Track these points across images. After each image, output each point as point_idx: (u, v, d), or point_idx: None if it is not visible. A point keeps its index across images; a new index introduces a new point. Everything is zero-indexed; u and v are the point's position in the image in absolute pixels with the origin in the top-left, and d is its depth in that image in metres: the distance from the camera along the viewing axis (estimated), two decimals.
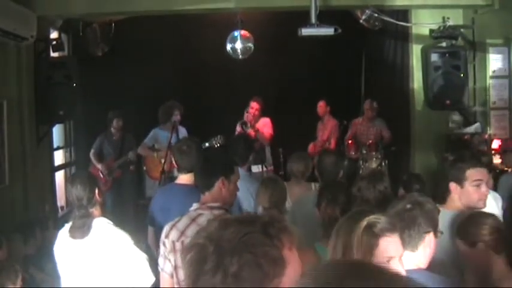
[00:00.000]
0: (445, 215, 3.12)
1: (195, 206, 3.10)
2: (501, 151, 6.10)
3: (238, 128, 7.40)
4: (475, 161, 3.32)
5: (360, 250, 1.96)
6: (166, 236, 3.06)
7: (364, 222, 1.99)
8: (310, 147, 8.46)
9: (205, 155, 3.70)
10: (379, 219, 2.01)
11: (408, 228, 2.40)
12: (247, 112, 7.34)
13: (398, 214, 2.41)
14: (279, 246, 1.35)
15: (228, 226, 1.37)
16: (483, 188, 3.22)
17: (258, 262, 1.31)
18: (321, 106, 8.61)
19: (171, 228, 3.06)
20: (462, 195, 3.24)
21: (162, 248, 3.09)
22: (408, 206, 2.47)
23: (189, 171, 3.90)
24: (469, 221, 2.81)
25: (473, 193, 3.21)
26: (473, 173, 3.22)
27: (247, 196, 4.31)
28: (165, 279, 3.10)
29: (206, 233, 1.39)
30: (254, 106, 7.39)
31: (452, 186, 3.27)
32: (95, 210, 3.34)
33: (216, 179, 3.10)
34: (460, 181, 3.23)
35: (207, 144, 6.73)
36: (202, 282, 1.33)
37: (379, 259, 1.96)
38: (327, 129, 8.59)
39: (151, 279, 3.26)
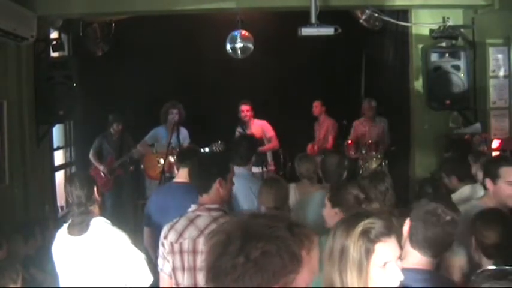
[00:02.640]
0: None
1: (193, 207, 3.09)
2: (500, 151, 6.13)
3: (238, 130, 7.41)
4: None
5: (356, 256, 1.96)
6: (165, 237, 3.06)
7: (359, 228, 1.98)
8: (309, 147, 8.46)
9: (201, 158, 3.68)
10: (375, 224, 1.99)
11: (443, 241, 2.43)
12: (241, 117, 7.37)
13: (436, 224, 2.42)
14: (299, 245, 1.43)
15: (257, 218, 1.46)
16: None
17: (279, 253, 1.38)
18: (317, 106, 8.64)
19: (169, 230, 3.06)
20: (495, 192, 3.43)
21: (161, 248, 3.09)
22: (448, 218, 2.46)
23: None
24: (483, 215, 2.85)
25: (505, 190, 3.39)
26: (508, 172, 3.40)
27: (250, 196, 4.29)
28: (164, 280, 3.10)
29: (236, 222, 1.47)
30: (245, 108, 7.40)
31: (488, 182, 3.44)
32: (94, 209, 3.36)
33: (214, 181, 3.11)
34: (494, 178, 3.42)
35: (207, 150, 6.72)
36: (224, 261, 1.39)
37: (376, 264, 1.97)
38: (323, 129, 8.63)
39: (150, 279, 3.26)
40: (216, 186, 3.10)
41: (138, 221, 6.81)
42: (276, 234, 1.40)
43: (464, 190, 4.08)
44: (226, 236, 1.42)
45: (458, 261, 2.94)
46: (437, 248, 2.41)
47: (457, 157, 5.34)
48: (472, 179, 4.32)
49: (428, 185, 4.60)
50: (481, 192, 3.79)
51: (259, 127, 7.39)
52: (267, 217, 1.47)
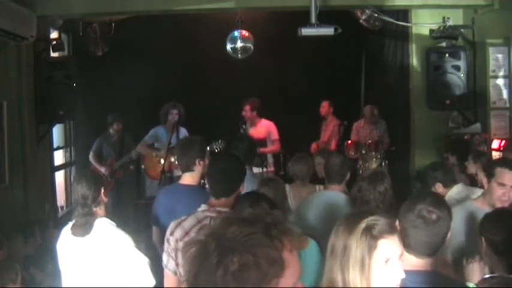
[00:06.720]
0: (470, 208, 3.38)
1: (203, 207, 3.09)
2: (504, 150, 6.15)
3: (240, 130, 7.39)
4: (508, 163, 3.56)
5: (358, 251, 1.98)
6: (171, 234, 3.06)
7: (363, 224, 2.00)
8: (313, 146, 8.44)
9: (228, 161, 3.51)
10: (378, 221, 2.02)
11: (434, 241, 2.41)
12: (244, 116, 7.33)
13: (423, 228, 2.40)
14: (279, 247, 1.37)
15: (230, 224, 1.40)
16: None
17: (258, 262, 1.33)
18: (324, 106, 8.58)
19: (176, 226, 3.06)
20: (488, 190, 3.52)
21: (166, 244, 3.09)
22: (434, 217, 2.41)
23: (191, 170, 3.87)
24: (491, 214, 2.87)
25: (496, 191, 3.44)
26: (501, 173, 3.44)
27: None
28: (168, 276, 3.10)
29: (208, 230, 1.42)
30: (246, 107, 7.35)
31: (484, 179, 3.61)
32: (99, 210, 3.34)
33: (238, 187, 3.15)
34: (489, 176, 3.51)
35: (207, 149, 6.70)
36: (203, 277, 1.36)
37: (378, 260, 1.98)
38: (328, 130, 8.57)
39: (152, 283, 3.25)
40: (238, 191, 3.15)
41: (139, 221, 6.83)
42: (252, 242, 1.35)
43: (454, 190, 4.05)
44: (202, 248, 1.38)
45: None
46: (431, 249, 2.39)
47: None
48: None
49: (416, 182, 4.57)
50: (478, 193, 3.80)
51: (265, 128, 7.34)
52: (242, 222, 1.40)
